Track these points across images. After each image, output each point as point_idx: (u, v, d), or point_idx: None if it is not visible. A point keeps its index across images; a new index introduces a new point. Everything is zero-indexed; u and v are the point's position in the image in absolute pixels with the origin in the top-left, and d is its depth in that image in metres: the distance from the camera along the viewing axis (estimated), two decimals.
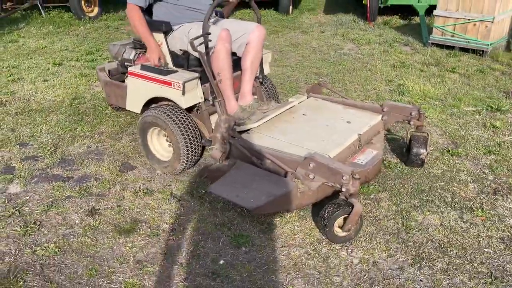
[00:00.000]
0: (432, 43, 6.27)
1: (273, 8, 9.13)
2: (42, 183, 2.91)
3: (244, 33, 3.05)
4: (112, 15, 8.50)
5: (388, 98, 4.31)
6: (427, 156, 3.02)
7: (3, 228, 2.48)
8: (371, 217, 2.56)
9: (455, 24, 5.97)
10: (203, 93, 2.94)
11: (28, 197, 2.76)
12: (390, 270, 2.18)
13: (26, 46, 6.34)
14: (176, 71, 2.91)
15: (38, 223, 2.52)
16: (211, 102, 2.96)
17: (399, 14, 8.49)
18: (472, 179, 2.94)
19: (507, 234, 2.41)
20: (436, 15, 6.13)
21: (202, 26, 2.73)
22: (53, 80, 4.84)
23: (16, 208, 2.64)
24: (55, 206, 2.67)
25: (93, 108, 4.09)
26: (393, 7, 8.22)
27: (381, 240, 2.38)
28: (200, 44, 2.67)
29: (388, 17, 8.44)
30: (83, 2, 7.98)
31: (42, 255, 2.28)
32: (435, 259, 2.24)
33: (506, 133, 3.55)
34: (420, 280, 2.12)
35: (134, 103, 3.12)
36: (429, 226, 2.48)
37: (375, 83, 4.84)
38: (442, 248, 2.31)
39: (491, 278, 2.11)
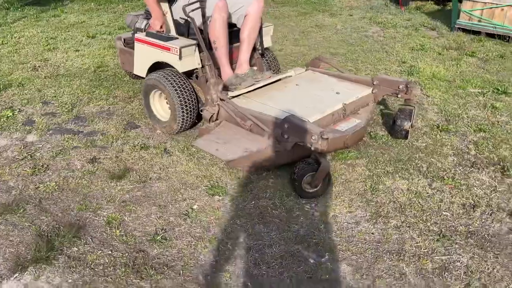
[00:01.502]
0: (459, 28, 6.16)
1: None
2: (56, 135, 3.26)
3: (243, 5, 3.24)
4: None
5: None
6: (411, 128, 3.11)
7: (15, 168, 2.85)
8: (342, 179, 2.72)
9: (482, 9, 5.85)
10: (201, 60, 3.17)
11: (41, 145, 3.12)
12: (346, 223, 2.35)
13: (66, 20, 6.82)
14: (177, 38, 3.16)
15: (46, 166, 2.87)
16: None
17: (434, 0, 8.33)
18: (453, 152, 3.01)
19: (470, 201, 2.50)
20: None
21: None
22: (84, 50, 5.24)
23: (29, 153, 3.01)
24: (62, 154, 3.01)
25: (113, 75, 4.43)
26: None
27: (345, 199, 2.54)
28: (193, 10, 2.90)
29: (422, 2, 8.30)
30: None
31: (43, 191, 2.62)
32: (392, 217, 2.38)
33: (504, 114, 3.56)
34: (372, 233, 2.27)
35: (140, 68, 3.40)
36: (395, 190, 2.61)
37: (388, 63, 4.89)
38: (401, 208, 2.45)
39: (440, 236, 2.23)
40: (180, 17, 3.24)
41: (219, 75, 3.20)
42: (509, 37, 5.64)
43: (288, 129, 2.57)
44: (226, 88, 3.09)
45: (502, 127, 3.34)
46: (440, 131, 3.29)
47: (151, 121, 3.40)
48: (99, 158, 2.97)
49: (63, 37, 5.85)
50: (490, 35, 5.82)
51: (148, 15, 3.65)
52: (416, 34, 6.13)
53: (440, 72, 4.52)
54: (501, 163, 2.86)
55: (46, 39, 5.73)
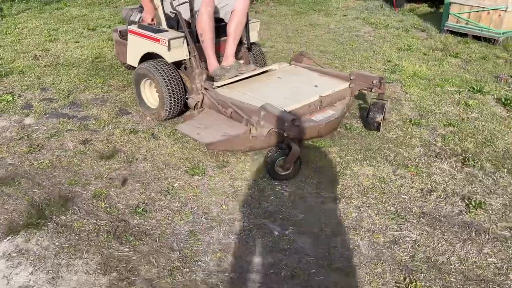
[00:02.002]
0: (447, 30, 6.37)
1: None
2: (52, 119, 3.49)
3: (230, 1, 3.46)
4: None
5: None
6: (383, 121, 3.32)
7: (13, 146, 3.08)
8: (314, 165, 2.93)
9: (470, 12, 6.05)
10: (189, 52, 3.38)
11: (37, 127, 3.35)
12: (313, 202, 2.57)
13: (68, 13, 7.06)
14: (167, 31, 3.38)
15: (41, 145, 3.10)
16: None
17: (429, 2, 8.53)
18: (421, 144, 3.22)
19: (428, 187, 2.71)
20: (452, 2, 6.23)
21: None
22: (84, 42, 5.47)
23: (26, 134, 3.24)
24: (56, 135, 3.24)
25: (110, 66, 4.66)
26: None
27: (314, 181, 2.76)
28: (180, 4, 3.12)
29: (418, 4, 8.50)
30: None
31: (37, 167, 2.85)
32: (354, 198, 2.60)
33: (475, 111, 3.76)
34: (334, 211, 2.49)
35: (133, 58, 3.63)
36: (361, 175, 2.82)
37: (374, 62, 5.10)
38: (364, 191, 2.66)
39: (395, 215, 2.45)
40: (170, 11, 3.45)
41: (206, 67, 3.42)
42: (494, 39, 5.84)
43: (263, 116, 2.78)
44: (211, 78, 3.32)
45: (471, 122, 3.55)
46: (412, 124, 3.50)
47: (141, 108, 3.62)
48: (91, 140, 3.20)
49: (65, 29, 6.08)
50: (477, 37, 6.02)
51: (142, 9, 3.87)
52: (406, 35, 6.33)
53: (422, 71, 4.73)
54: (464, 154, 3.07)
55: (48, 30, 5.97)
